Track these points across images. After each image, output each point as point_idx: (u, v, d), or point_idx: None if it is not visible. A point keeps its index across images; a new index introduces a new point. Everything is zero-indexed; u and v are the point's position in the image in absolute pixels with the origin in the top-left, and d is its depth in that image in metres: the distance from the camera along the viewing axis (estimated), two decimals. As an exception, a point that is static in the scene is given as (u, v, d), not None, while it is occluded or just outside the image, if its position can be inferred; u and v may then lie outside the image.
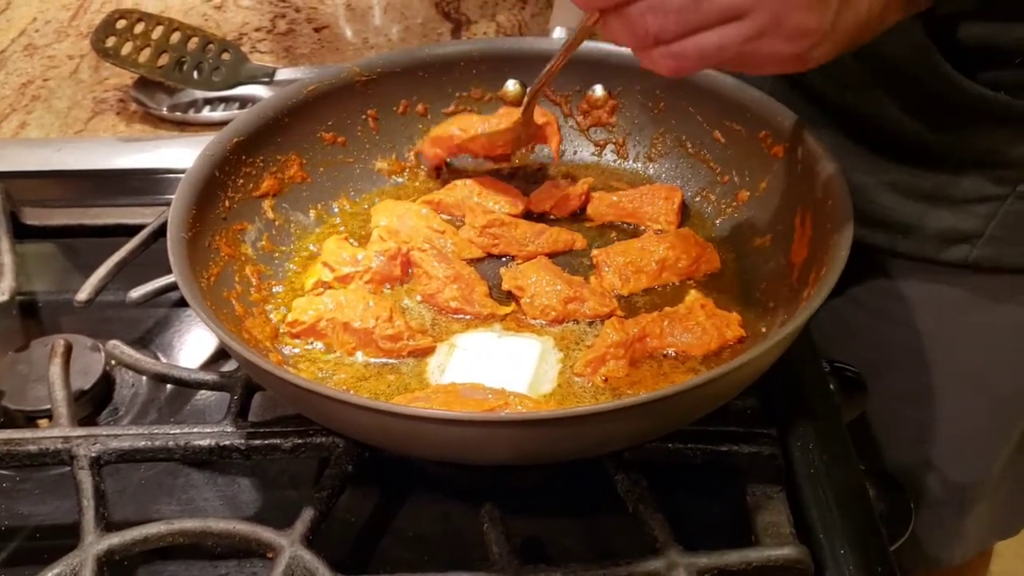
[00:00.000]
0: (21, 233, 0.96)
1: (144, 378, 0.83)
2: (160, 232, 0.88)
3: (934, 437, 1.01)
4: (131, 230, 0.92)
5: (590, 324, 0.82)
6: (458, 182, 0.95)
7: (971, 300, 0.93)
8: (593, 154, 1.00)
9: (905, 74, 0.80)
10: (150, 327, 0.89)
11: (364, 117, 0.97)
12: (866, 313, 0.98)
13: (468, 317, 0.82)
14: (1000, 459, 1.03)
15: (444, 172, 0.98)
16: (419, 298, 0.84)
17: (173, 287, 0.85)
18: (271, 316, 0.82)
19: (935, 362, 0.97)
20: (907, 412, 1.00)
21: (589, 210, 0.93)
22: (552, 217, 0.94)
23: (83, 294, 0.85)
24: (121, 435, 0.73)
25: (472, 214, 0.91)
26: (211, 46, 1.17)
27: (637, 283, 0.85)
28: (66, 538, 0.67)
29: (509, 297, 0.84)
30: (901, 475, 1.03)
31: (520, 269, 0.84)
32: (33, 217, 0.98)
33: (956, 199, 0.87)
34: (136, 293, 0.85)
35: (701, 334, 0.78)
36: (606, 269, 0.85)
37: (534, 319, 0.82)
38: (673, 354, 0.78)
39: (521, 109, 0.92)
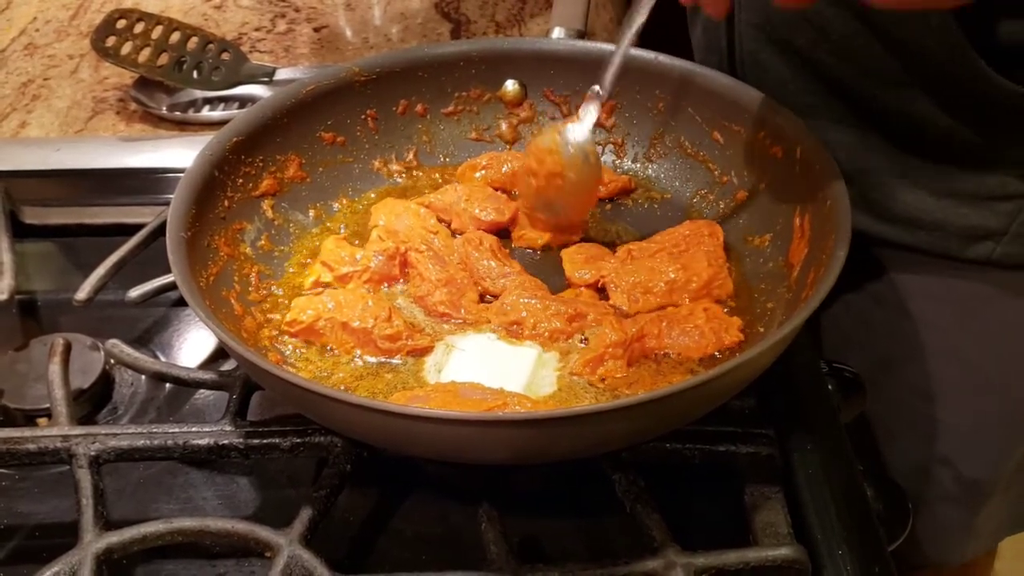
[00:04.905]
0: (20, 232, 0.96)
1: (143, 377, 0.83)
2: (159, 231, 0.88)
3: (949, 433, 1.01)
4: (130, 229, 0.92)
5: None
6: (449, 186, 0.95)
7: (992, 296, 0.93)
8: (592, 154, 1.00)
9: (939, 71, 0.80)
10: (149, 326, 0.89)
11: (363, 117, 0.97)
12: (884, 309, 0.98)
13: (457, 321, 0.82)
14: (1015, 455, 1.03)
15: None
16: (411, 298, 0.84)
17: (172, 286, 0.85)
18: (270, 315, 0.83)
19: (952, 358, 0.97)
20: (922, 407, 1.00)
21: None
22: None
23: (82, 293, 0.85)
24: (120, 434, 0.73)
25: (459, 219, 0.91)
26: (211, 46, 1.17)
27: (646, 303, 0.83)
28: (65, 537, 0.67)
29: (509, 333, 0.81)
30: (915, 471, 1.03)
31: (506, 306, 0.81)
32: (33, 216, 0.98)
33: (981, 196, 0.87)
34: (135, 292, 0.85)
35: (699, 337, 0.78)
36: (614, 289, 0.84)
37: (545, 346, 0.79)
38: (671, 355, 0.78)
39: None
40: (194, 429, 0.73)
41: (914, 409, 1.00)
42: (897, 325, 0.98)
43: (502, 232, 0.92)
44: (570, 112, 1.00)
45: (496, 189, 0.95)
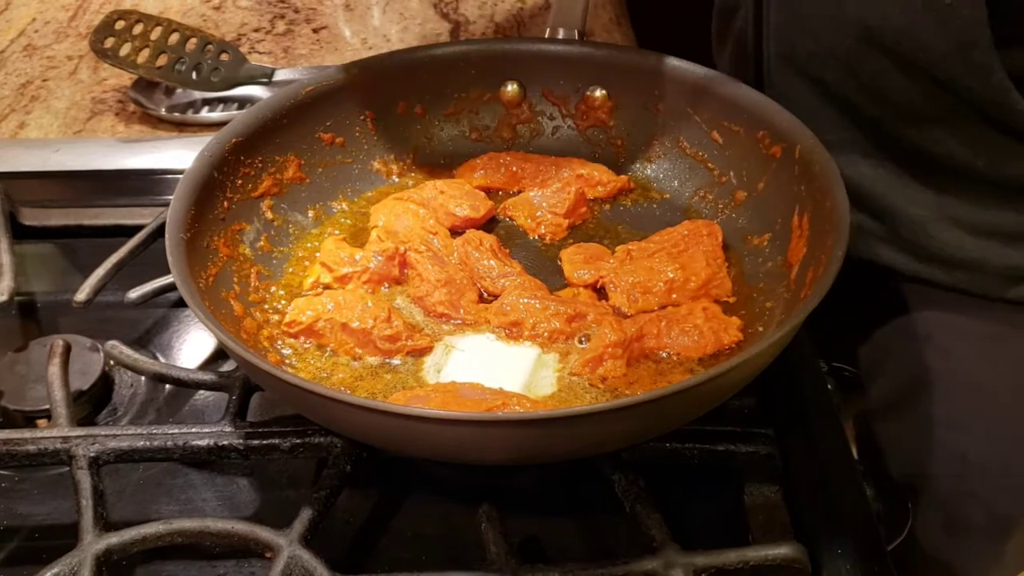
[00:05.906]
0: (20, 233, 0.96)
1: (143, 378, 0.84)
2: (159, 232, 0.88)
3: (977, 465, 0.98)
4: (130, 230, 0.92)
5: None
6: (429, 182, 0.95)
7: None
8: (592, 155, 1.00)
9: (976, 110, 0.79)
10: (149, 327, 0.89)
11: (362, 118, 0.97)
12: (914, 341, 0.96)
13: (456, 322, 0.82)
14: None
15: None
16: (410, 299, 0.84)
17: (172, 287, 0.85)
18: (270, 316, 0.83)
19: (982, 391, 0.95)
20: (950, 440, 0.98)
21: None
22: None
23: (82, 294, 0.85)
24: (120, 435, 0.73)
25: (435, 214, 0.91)
26: (210, 47, 1.17)
27: (645, 303, 0.83)
28: (65, 538, 0.67)
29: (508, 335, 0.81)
30: (942, 503, 1.01)
31: (505, 306, 0.81)
32: (32, 217, 0.98)
33: (1021, 236, 0.86)
34: (135, 293, 0.86)
35: (698, 337, 0.78)
36: (613, 289, 0.84)
37: (544, 347, 0.79)
38: (670, 355, 0.78)
39: None
40: (194, 430, 0.73)
41: (940, 441, 0.97)
42: (925, 358, 0.95)
43: (503, 233, 0.92)
44: (569, 112, 1.00)
45: (497, 190, 0.95)
